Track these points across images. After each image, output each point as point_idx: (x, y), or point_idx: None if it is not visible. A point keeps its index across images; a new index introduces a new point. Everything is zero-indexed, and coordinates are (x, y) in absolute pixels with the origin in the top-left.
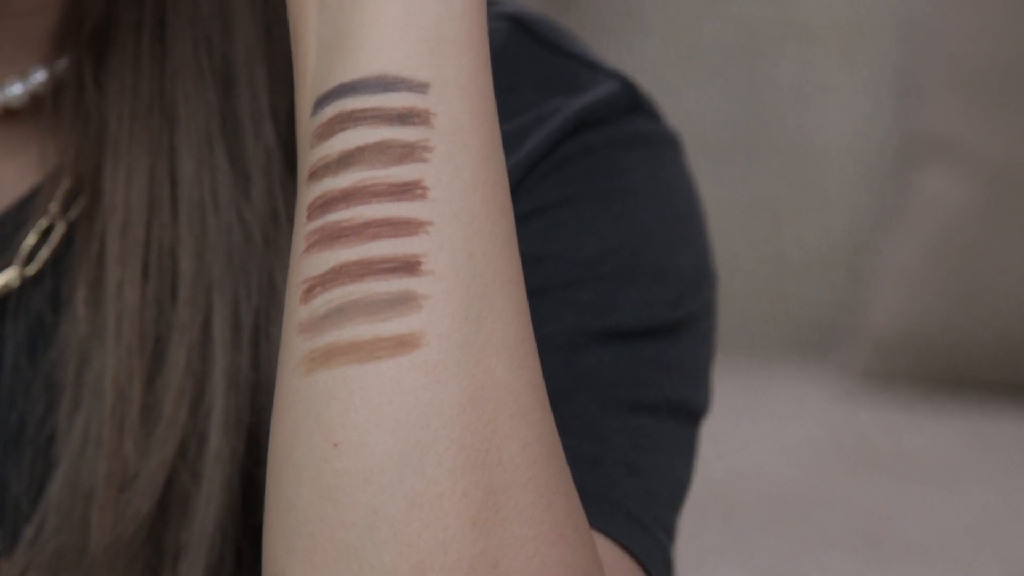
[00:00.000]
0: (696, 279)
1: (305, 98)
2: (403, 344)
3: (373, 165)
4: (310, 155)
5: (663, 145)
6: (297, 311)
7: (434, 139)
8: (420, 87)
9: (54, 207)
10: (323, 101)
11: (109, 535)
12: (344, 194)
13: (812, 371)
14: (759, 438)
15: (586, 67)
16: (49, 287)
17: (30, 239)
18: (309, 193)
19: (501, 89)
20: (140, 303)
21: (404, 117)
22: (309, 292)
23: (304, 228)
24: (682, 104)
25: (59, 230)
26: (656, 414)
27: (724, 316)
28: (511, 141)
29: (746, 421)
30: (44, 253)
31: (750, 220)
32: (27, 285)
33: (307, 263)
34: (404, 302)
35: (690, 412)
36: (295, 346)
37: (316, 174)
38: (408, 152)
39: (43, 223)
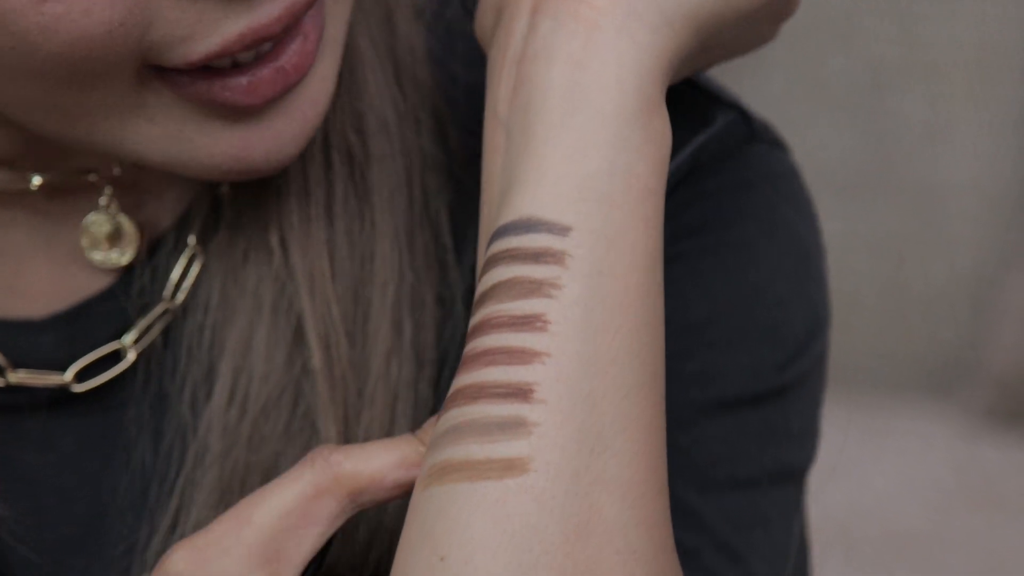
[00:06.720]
0: (808, 333)
1: (482, 244)
2: (511, 467)
3: (500, 300)
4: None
5: (780, 180)
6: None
7: (565, 279)
8: (561, 230)
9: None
10: (488, 244)
11: None
12: (473, 329)
13: (936, 408)
14: (881, 475)
15: (704, 96)
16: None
17: (176, 272)
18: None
19: None
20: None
21: (538, 256)
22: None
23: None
24: (807, 141)
25: (199, 260)
26: (756, 486)
27: (848, 353)
28: None
29: (869, 458)
30: (187, 283)
31: (874, 257)
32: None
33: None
34: (514, 427)
35: (792, 473)
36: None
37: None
38: (535, 288)
39: (187, 255)
